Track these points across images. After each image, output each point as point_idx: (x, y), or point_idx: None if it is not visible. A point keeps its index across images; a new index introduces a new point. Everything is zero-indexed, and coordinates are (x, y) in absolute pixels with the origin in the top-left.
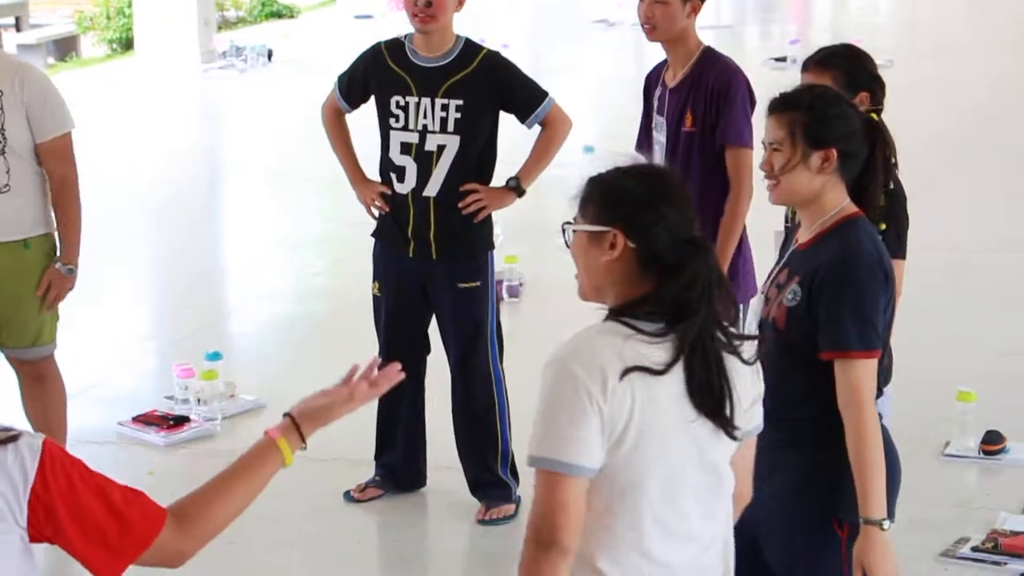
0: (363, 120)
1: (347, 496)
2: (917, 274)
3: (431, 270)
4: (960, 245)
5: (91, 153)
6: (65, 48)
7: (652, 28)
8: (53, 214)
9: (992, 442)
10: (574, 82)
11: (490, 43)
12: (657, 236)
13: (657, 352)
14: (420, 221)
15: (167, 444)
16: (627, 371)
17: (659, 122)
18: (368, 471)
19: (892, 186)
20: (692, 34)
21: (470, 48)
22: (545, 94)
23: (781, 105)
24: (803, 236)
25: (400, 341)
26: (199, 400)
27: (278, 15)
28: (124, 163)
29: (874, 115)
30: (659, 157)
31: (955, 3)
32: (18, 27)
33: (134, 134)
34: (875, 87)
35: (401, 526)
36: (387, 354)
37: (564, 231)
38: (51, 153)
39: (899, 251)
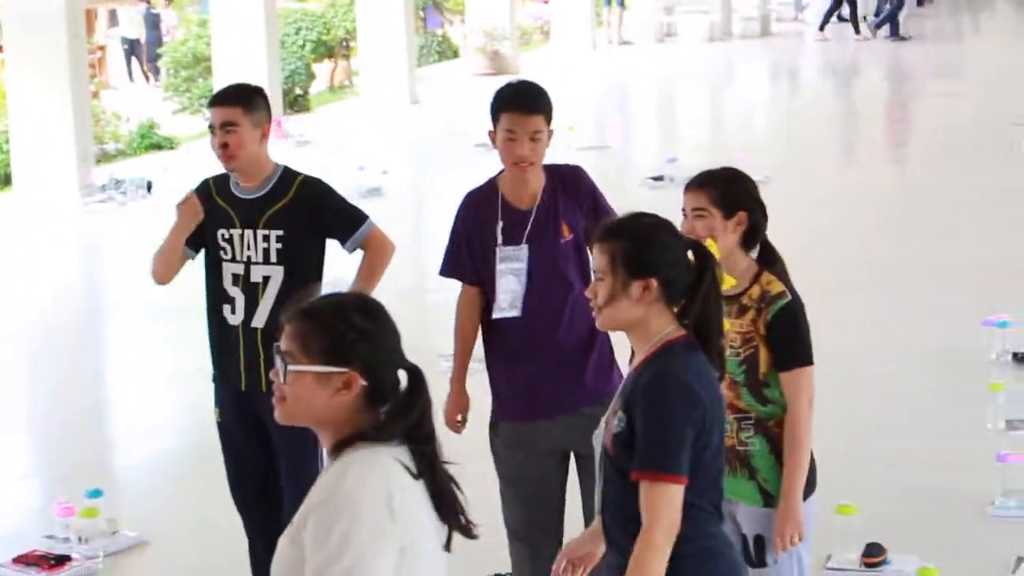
0: None
1: None
2: None
3: (263, 401)
4: (841, 358)
5: None
6: None
7: (529, 164)
8: None
9: (873, 555)
10: (455, 207)
11: (370, 170)
12: (388, 372)
13: (411, 463)
14: (250, 353)
15: None
16: (403, 487)
17: (511, 252)
18: None
19: (790, 299)
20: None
21: (287, 176)
22: (365, 217)
23: (603, 234)
24: (634, 362)
25: (246, 470)
26: (80, 538)
27: (158, 147)
28: (1, 299)
29: (707, 243)
30: (517, 285)
31: (827, 121)
32: None
33: (12, 270)
34: (754, 207)
35: None
36: (237, 485)
37: (283, 369)
38: None
39: (799, 360)
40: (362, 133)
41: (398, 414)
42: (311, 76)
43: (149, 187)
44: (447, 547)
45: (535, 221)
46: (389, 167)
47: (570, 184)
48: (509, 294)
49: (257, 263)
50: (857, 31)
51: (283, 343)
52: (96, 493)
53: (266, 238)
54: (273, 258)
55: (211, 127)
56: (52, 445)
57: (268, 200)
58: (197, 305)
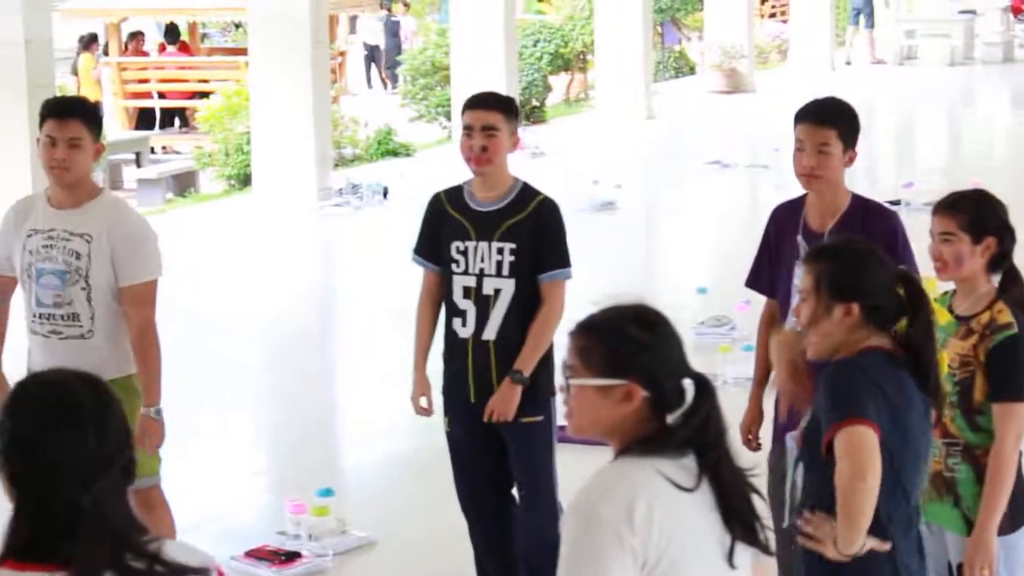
0: None
1: None
2: None
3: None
4: None
5: (207, 290)
6: (184, 183)
7: (818, 179)
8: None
9: None
10: (688, 223)
11: (604, 184)
12: (669, 382)
13: (677, 469)
14: (480, 366)
15: None
16: (649, 499)
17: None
18: None
19: (1016, 332)
20: (843, 184)
21: (527, 192)
22: (567, 264)
23: (811, 255)
24: None
25: (475, 480)
26: (310, 536)
27: (394, 153)
28: (241, 300)
29: (912, 280)
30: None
31: None
32: (138, 163)
33: (251, 270)
34: (1003, 233)
35: None
36: (467, 494)
37: (567, 383)
38: (132, 298)
39: (1013, 394)
40: (597, 146)
41: (680, 423)
42: (547, 88)
43: (385, 193)
44: (730, 561)
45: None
46: (623, 181)
47: (873, 220)
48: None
49: (490, 275)
50: None
51: (568, 357)
52: (327, 492)
53: (500, 251)
54: (506, 271)
55: (467, 129)
56: (286, 444)
57: (506, 213)
58: None
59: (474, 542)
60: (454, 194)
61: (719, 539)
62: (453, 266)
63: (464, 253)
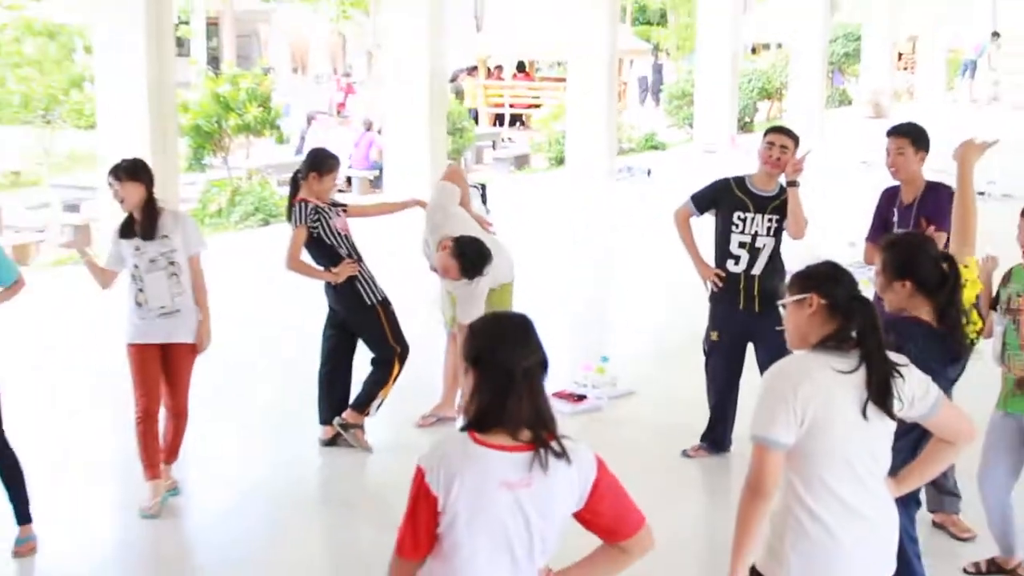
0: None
1: (683, 453)
2: None
3: (757, 320)
4: None
5: (535, 230)
6: (521, 162)
7: (896, 171)
8: None
9: None
10: (843, 201)
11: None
12: (838, 293)
13: (843, 362)
14: (748, 289)
15: (572, 412)
16: (813, 381)
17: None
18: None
19: None
20: (920, 174)
21: (782, 185)
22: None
23: (882, 246)
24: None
25: (727, 372)
26: (593, 385)
27: (655, 147)
28: (556, 238)
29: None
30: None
31: None
32: (494, 147)
33: (562, 220)
34: None
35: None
36: (716, 382)
37: (783, 309)
38: None
39: None
40: None
41: (842, 326)
42: (755, 110)
43: (649, 172)
44: (864, 415)
45: (907, 213)
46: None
47: (940, 195)
48: None
49: (761, 235)
50: None
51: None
52: (605, 359)
53: (770, 219)
54: (772, 233)
55: (770, 143)
56: (582, 326)
57: (774, 198)
58: (678, 257)
59: (712, 406)
60: (739, 181)
61: (860, 403)
62: (733, 228)
63: (743, 220)
